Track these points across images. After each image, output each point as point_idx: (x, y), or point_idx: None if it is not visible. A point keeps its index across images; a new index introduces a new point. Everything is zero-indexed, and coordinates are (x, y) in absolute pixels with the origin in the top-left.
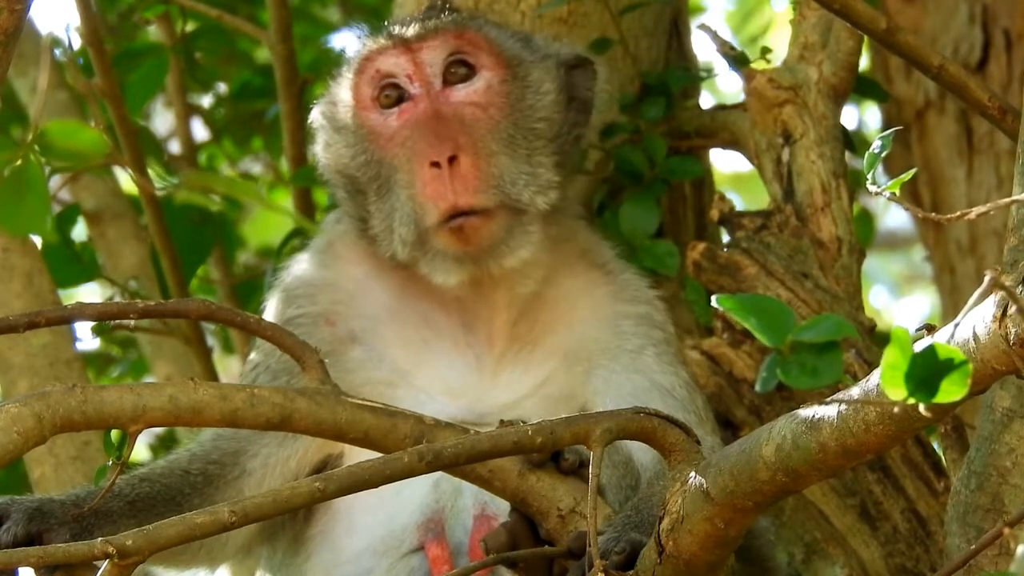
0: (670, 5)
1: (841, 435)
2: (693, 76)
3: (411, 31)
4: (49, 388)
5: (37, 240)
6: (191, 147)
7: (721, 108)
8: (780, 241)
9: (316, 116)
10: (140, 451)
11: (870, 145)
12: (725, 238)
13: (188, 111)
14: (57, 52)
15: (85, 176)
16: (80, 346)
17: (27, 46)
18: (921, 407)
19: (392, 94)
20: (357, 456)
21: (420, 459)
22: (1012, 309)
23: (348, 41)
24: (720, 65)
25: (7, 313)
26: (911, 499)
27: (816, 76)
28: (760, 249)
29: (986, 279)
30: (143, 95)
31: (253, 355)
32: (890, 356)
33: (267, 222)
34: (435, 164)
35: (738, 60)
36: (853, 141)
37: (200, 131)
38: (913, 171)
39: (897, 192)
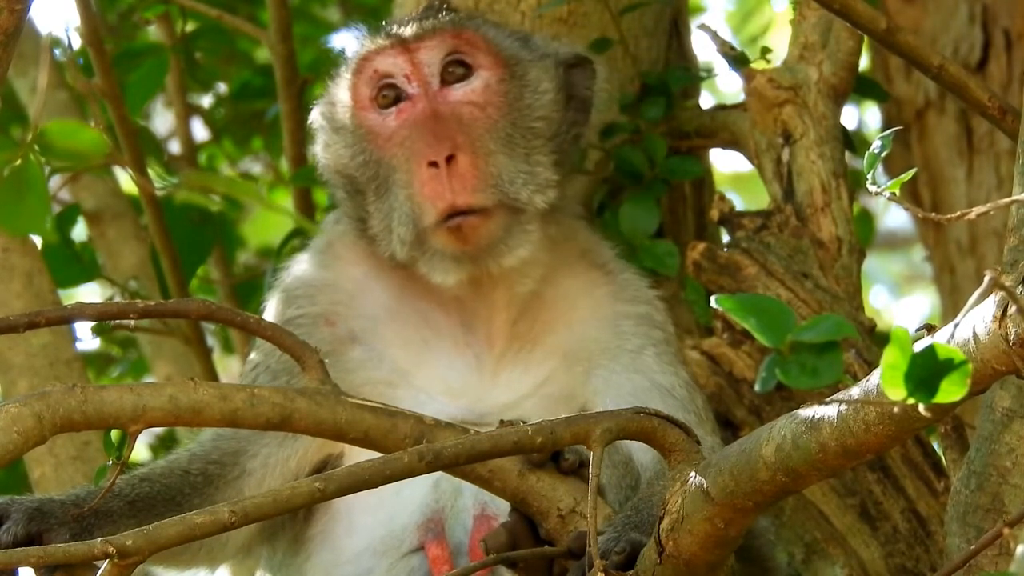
0: (670, 5)
1: (841, 435)
2: (693, 76)
3: (408, 31)
4: (49, 388)
5: (37, 240)
6: (191, 147)
7: (721, 108)
8: (780, 241)
9: (316, 116)
10: (140, 451)
11: (870, 145)
12: (725, 238)
13: (188, 111)
14: (57, 52)
15: (85, 176)
16: (80, 346)
17: (27, 46)
18: (921, 407)
19: (390, 94)
20: (357, 456)
21: (420, 459)
22: (1012, 309)
23: (348, 41)
24: (720, 65)
25: (7, 313)
26: (911, 499)
27: (816, 76)
28: (760, 249)
29: (986, 279)
30: (143, 95)
31: (253, 355)
32: (890, 356)
33: (267, 222)
34: (433, 164)
35: (738, 60)
36: (853, 141)
37: (200, 131)
38: (913, 171)
39: (897, 192)
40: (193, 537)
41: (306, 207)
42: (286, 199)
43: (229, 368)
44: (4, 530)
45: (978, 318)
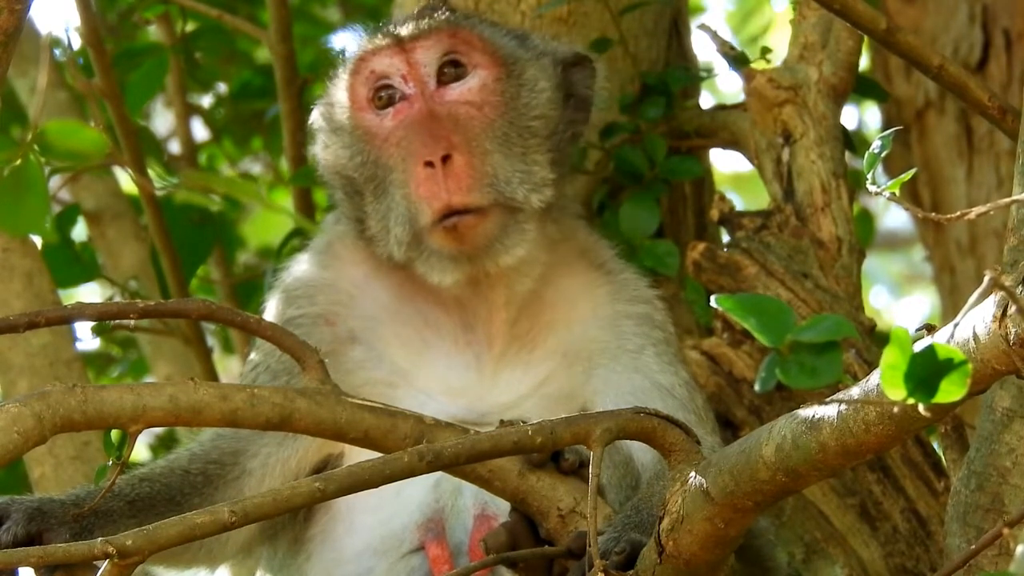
0: (670, 5)
1: (841, 435)
2: (693, 76)
3: (405, 31)
4: (49, 388)
5: (37, 240)
6: (191, 147)
7: (721, 108)
8: (780, 241)
9: (315, 117)
10: (140, 451)
11: (870, 145)
12: (725, 238)
13: (188, 111)
14: (57, 52)
15: (85, 176)
16: (80, 346)
17: (27, 46)
18: (921, 407)
19: (386, 94)
20: (357, 456)
21: (420, 459)
22: (1012, 309)
23: (347, 41)
24: (720, 65)
25: (7, 313)
26: (911, 499)
27: (816, 76)
28: (760, 249)
29: (986, 279)
30: (143, 95)
31: (253, 355)
32: (890, 356)
33: (267, 222)
34: (429, 164)
35: (738, 60)
36: (853, 141)
37: (200, 131)
38: (913, 171)
39: (897, 192)
40: (193, 537)
41: (306, 207)
42: (286, 199)
43: (229, 368)
44: (4, 530)
45: (978, 318)
